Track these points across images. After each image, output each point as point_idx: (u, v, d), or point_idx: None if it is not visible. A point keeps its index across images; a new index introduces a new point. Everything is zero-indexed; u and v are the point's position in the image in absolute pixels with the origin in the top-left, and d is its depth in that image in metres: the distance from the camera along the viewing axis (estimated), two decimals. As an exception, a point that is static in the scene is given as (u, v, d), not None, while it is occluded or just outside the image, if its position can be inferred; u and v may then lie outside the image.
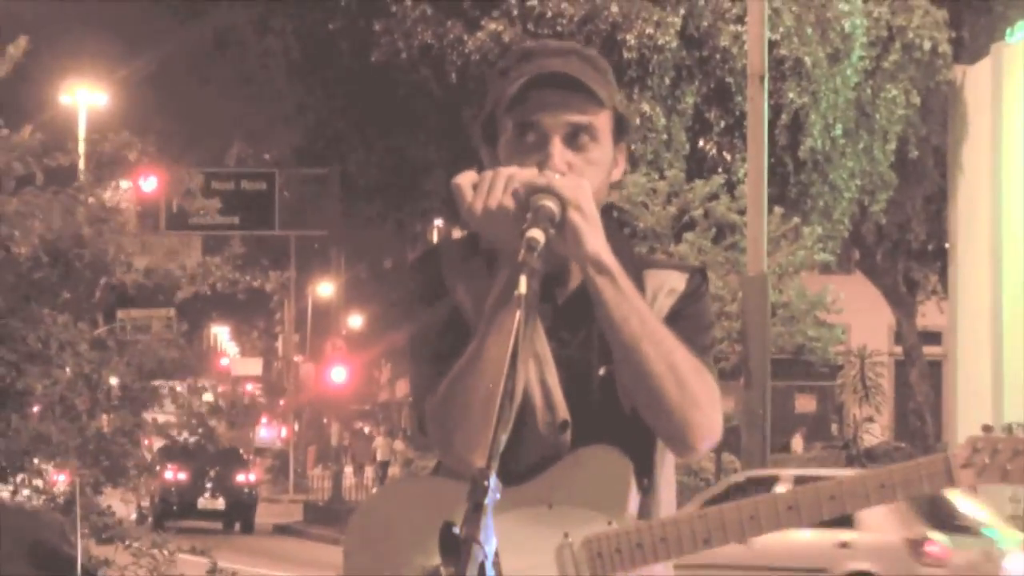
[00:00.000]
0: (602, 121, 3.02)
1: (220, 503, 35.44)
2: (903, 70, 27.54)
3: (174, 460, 32.33)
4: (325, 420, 55.70)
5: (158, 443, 11.65)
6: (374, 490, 39.35)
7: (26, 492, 9.13)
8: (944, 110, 28.06)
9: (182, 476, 34.47)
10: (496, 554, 2.47)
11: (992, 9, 29.25)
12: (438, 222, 41.32)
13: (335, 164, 33.19)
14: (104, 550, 9.09)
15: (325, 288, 59.75)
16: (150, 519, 32.16)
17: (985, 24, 29.31)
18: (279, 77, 32.06)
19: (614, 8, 25.88)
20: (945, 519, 16.53)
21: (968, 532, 16.76)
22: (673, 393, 2.89)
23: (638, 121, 25.30)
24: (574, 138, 2.99)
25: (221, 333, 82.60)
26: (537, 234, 2.75)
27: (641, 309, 2.91)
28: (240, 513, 35.77)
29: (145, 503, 32.69)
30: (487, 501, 2.44)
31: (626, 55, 25.56)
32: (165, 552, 9.08)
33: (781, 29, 25.87)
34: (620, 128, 3.08)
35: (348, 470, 47.78)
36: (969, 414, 24.14)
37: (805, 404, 41.28)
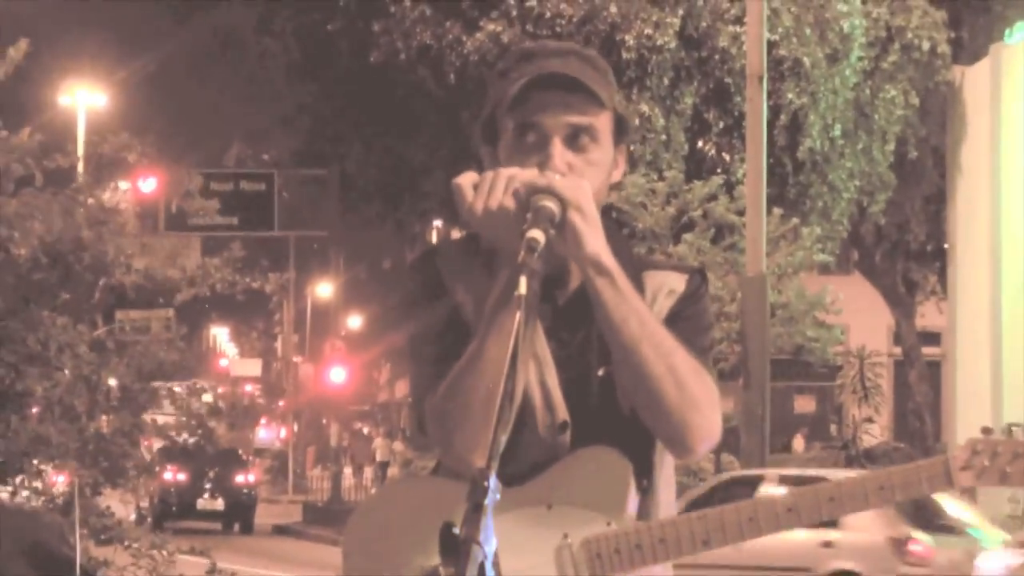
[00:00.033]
0: (602, 122, 3.02)
1: (219, 504, 35.44)
2: (902, 71, 27.54)
3: (173, 461, 32.30)
4: (324, 421, 55.70)
5: (157, 444, 11.64)
6: (373, 491, 39.36)
7: (25, 493, 9.13)
8: (943, 111, 28.04)
9: (181, 477, 34.47)
10: (495, 554, 2.47)
11: (991, 9, 29.23)
12: (437, 223, 41.30)
13: (334, 165, 33.20)
14: (103, 551, 9.09)
15: (324, 289, 59.74)
16: (149, 520, 32.14)
17: (984, 24, 29.30)
18: (278, 78, 32.07)
19: (613, 9, 25.88)
20: (929, 519, 16.55)
21: (952, 532, 16.78)
22: (672, 394, 2.89)
23: (637, 122, 25.29)
24: (574, 139, 3.00)
25: (220, 334, 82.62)
26: (537, 235, 2.75)
27: (640, 310, 2.91)
28: (239, 514, 35.78)
29: (144, 504, 32.67)
30: (487, 502, 2.44)
31: (625, 56, 25.56)
32: (164, 553, 9.08)
33: (780, 30, 25.87)
34: (620, 129, 3.08)
35: (347, 471, 47.80)
36: (968, 415, 24.12)
37: (804, 405, 41.27)
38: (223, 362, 73.18)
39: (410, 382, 3.14)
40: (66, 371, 8.94)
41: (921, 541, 16.36)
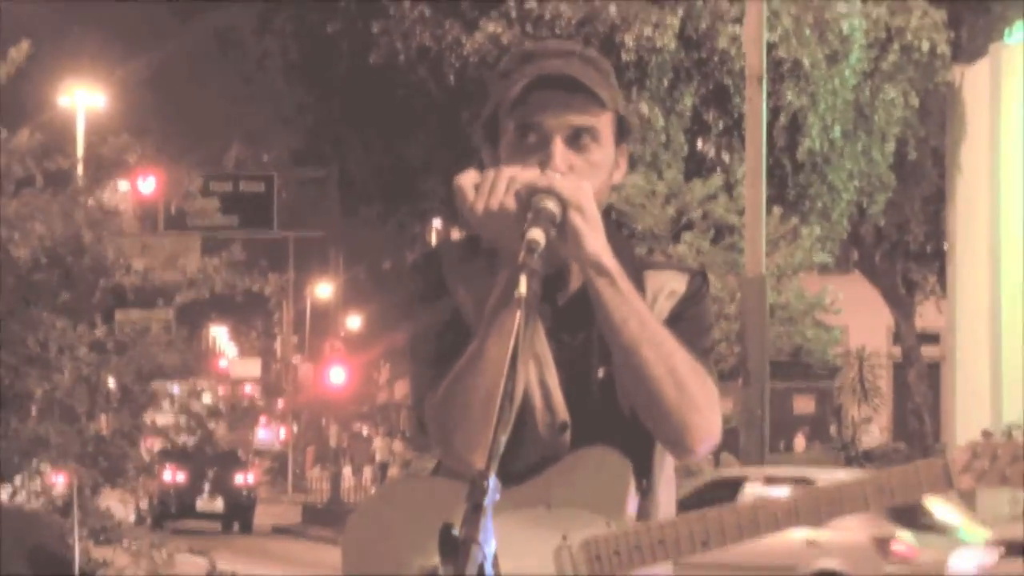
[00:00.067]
0: (604, 123, 3.02)
1: (219, 504, 35.45)
2: (901, 71, 27.53)
3: (173, 461, 32.31)
4: (324, 421, 55.75)
5: (157, 444, 11.64)
6: (373, 491, 39.35)
7: (24, 494, 9.13)
8: (943, 111, 28.04)
9: (181, 477, 34.47)
10: (495, 555, 2.47)
11: (990, 10, 29.21)
12: (436, 223, 41.32)
13: (333, 165, 33.17)
14: (103, 551, 9.09)
15: (324, 289, 59.79)
16: (148, 520, 32.15)
17: (983, 25, 29.29)
18: (278, 78, 32.06)
19: (612, 10, 25.89)
20: (912, 518, 16.56)
21: (935, 531, 16.79)
22: (672, 395, 2.89)
23: (636, 122, 25.30)
24: (575, 139, 2.99)
25: (220, 334, 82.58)
26: (537, 235, 2.75)
27: (641, 311, 2.91)
28: (239, 514, 35.79)
29: (144, 504, 32.68)
30: (486, 502, 2.44)
31: (624, 57, 25.56)
32: (163, 553, 9.08)
33: (779, 30, 25.86)
34: (622, 130, 3.08)
35: (347, 471, 47.80)
36: (967, 415, 24.13)
37: (803, 405, 41.22)
38: (222, 362, 73.17)
39: (410, 382, 3.13)
40: (65, 372, 8.93)
41: (904, 540, 16.41)
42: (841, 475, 18.27)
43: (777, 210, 24.14)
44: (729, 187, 25.27)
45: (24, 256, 8.73)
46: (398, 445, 47.33)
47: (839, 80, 26.68)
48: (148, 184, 13.34)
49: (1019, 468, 2.96)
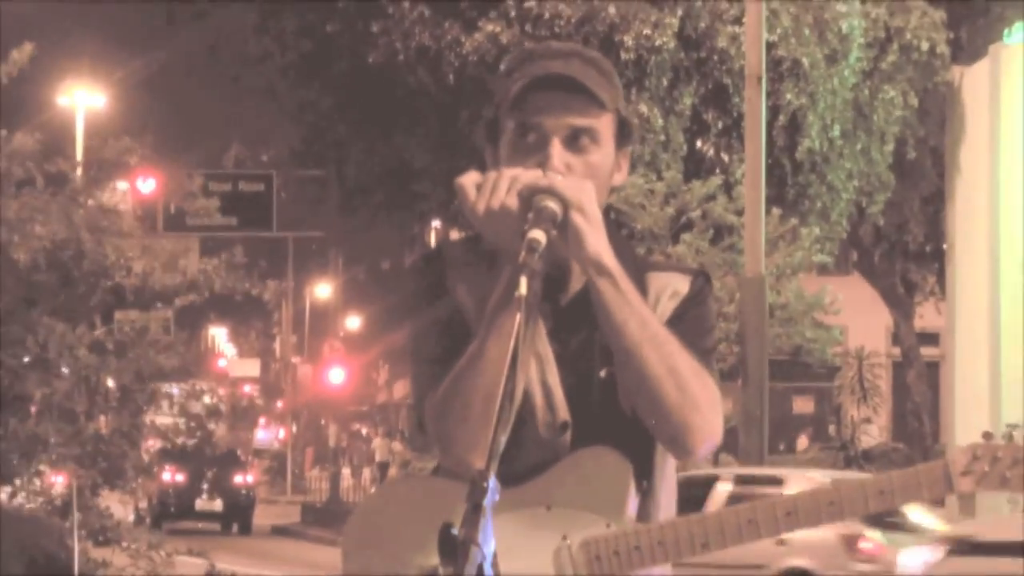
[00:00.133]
0: (603, 124, 3.02)
1: (218, 505, 35.45)
2: (901, 71, 27.52)
3: (172, 462, 32.31)
4: (323, 421, 55.73)
5: (156, 445, 11.64)
6: (372, 491, 39.31)
7: (23, 495, 9.13)
8: (942, 111, 28.03)
9: (180, 478, 34.48)
10: (494, 555, 2.47)
11: (990, 10, 29.22)
12: (436, 223, 41.30)
13: (333, 165, 33.16)
14: (102, 551, 9.09)
15: (323, 289, 59.77)
16: (148, 521, 32.14)
17: (983, 25, 29.29)
18: (277, 79, 32.04)
19: (612, 9, 25.88)
20: (881, 516, 16.56)
21: (904, 529, 16.81)
22: (673, 396, 2.89)
23: (635, 122, 25.30)
24: (574, 140, 2.99)
25: (219, 334, 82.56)
26: (538, 235, 2.75)
27: (642, 312, 2.91)
28: (238, 514, 35.79)
29: (143, 505, 32.68)
30: (486, 502, 2.44)
31: (624, 56, 25.55)
32: (162, 554, 9.09)
33: (779, 30, 25.85)
34: (623, 132, 3.07)
35: (346, 471, 47.80)
36: (967, 415, 24.12)
37: (803, 405, 41.27)
38: (221, 362, 73.12)
39: (411, 382, 3.13)
40: (64, 369, 8.94)
41: (872, 539, 16.45)
42: (815, 475, 18.30)
43: (776, 210, 24.13)
44: (728, 187, 25.25)
45: (24, 259, 8.73)
46: (397, 445, 47.32)
47: (838, 80, 26.67)
48: (148, 184, 13.36)
49: (1019, 472, 2.95)
